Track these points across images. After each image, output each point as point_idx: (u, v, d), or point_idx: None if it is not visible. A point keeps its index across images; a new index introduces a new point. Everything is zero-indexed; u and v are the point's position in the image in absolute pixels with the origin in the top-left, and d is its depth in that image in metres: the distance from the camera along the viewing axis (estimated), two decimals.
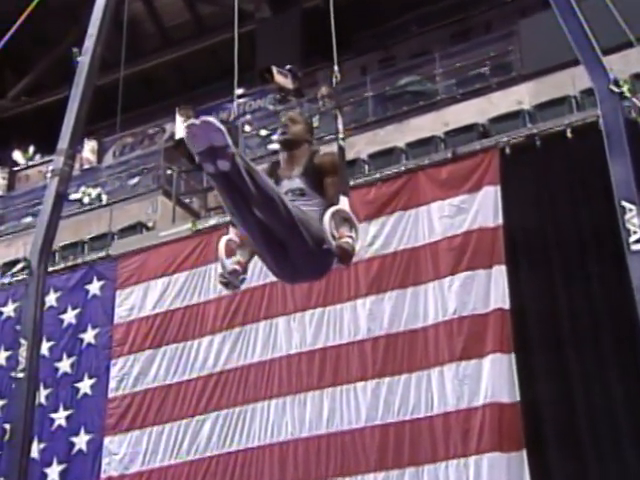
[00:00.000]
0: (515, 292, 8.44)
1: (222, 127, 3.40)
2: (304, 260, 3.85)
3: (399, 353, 8.82)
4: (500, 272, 8.54)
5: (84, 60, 7.15)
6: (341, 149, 4.04)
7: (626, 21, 7.66)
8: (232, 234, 4.05)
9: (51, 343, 10.61)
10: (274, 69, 9.25)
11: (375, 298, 9.10)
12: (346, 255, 3.77)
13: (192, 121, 3.39)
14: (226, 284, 3.99)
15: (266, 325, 9.62)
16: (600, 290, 8.09)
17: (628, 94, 7.07)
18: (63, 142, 7.03)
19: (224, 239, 4.03)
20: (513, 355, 8.20)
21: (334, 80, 4.28)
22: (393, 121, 11.76)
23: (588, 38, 7.09)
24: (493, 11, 14.45)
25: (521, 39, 11.60)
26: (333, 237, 3.74)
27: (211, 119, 3.40)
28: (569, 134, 8.68)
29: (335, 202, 3.89)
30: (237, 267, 3.97)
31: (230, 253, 4.02)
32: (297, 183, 4.05)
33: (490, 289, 8.54)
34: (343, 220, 3.83)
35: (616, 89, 6.96)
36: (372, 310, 9.07)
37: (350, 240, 3.78)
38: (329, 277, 9.24)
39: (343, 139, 4.08)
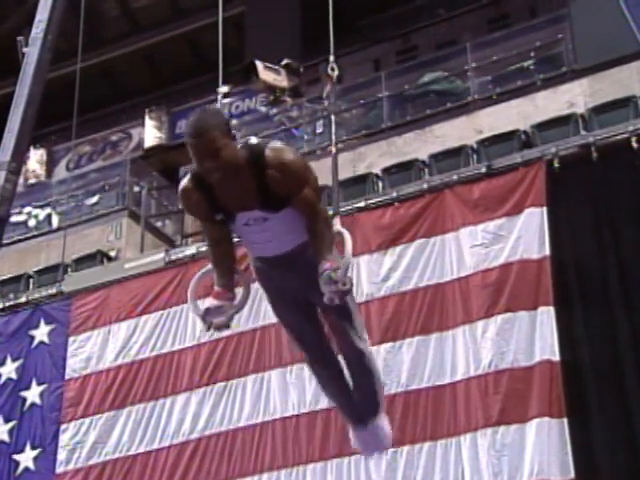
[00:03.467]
0: (567, 340, 8.42)
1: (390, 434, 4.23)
2: None
3: (421, 415, 8.79)
4: (547, 315, 8.55)
5: (32, 52, 7.21)
6: (334, 158, 4.02)
7: None
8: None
9: None
10: (259, 64, 9.26)
11: (391, 346, 9.10)
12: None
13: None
14: (208, 325, 3.93)
15: (256, 380, 9.62)
16: None
17: None
18: (5, 153, 7.05)
19: (198, 275, 4.03)
20: (565, 420, 8.15)
21: (329, 72, 4.28)
22: (413, 127, 11.83)
23: None
24: None
25: (573, 25, 11.69)
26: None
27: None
28: (634, 143, 8.75)
29: (317, 227, 3.76)
30: (218, 302, 3.89)
31: (206, 291, 4.03)
32: (258, 214, 3.83)
33: (535, 336, 8.54)
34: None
35: None
36: (387, 361, 9.04)
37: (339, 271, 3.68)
38: None
39: (337, 143, 4.07)
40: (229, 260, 3.95)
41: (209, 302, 3.90)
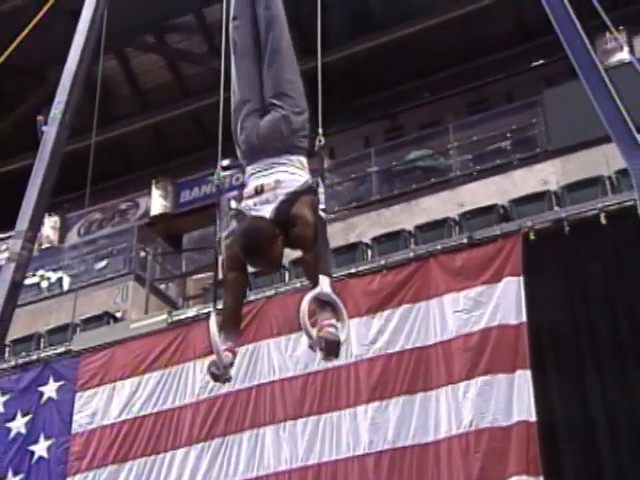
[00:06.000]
0: (542, 402, 8.41)
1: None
2: None
3: (406, 471, 8.73)
4: (524, 378, 8.54)
5: (50, 131, 7.28)
6: (322, 221, 4.04)
7: None
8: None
9: None
10: None
11: (378, 405, 9.07)
12: (332, 347, 3.74)
13: None
14: (217, 377, 4.01)
15: (251, 436, 9.55)
16: None
17: None
18: (22, 222, 7.05)
19: (213, 319, 4.00)
20: (542, 478, 8.07)
21: (317, 144, 4.34)
22: (400, 200, 11.95)
23: (621, 113, 7.26)
24: (515, 78, 14.82)
25: (546, 110, 11.90)
26: (312, 332, 3.72)
27: None
28: (603, 220, 8.84)
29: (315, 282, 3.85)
30: (229, 355, 3.99)
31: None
32: None
33: (512, 397, 8.52)
34: (323, 305, 3.80)
35: None
36: (375, 419, 9.03)
37: (333, 329, 3.75)
38: (325, 380, 9.31)
39: (324, 210, 4.10)
40: (239, 316, 4.12)
41: (227, 358, 3.97)
